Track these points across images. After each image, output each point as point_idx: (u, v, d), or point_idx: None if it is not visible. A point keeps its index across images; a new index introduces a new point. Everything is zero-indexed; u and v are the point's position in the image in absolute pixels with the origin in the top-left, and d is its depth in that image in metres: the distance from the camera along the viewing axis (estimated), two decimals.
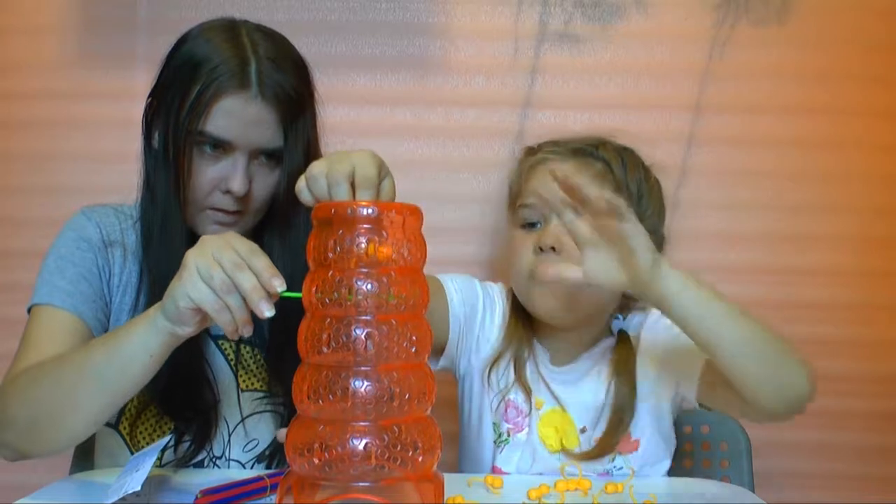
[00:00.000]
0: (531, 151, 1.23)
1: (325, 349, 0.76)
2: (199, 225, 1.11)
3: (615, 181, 1.14)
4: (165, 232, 1.09)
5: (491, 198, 1.58)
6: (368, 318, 0.76)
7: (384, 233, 0.77)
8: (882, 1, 1.56)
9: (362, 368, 0.76)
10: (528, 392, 1.17)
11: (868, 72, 1.56)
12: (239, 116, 1.05)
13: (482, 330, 1.22)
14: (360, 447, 0.75)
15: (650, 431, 1.16)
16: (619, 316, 1.23)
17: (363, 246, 0.76)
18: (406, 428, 0.77)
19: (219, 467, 1.13)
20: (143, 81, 1.58)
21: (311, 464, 0.76)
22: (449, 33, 1.58)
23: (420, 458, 0.77)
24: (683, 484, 1.07)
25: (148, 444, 1.10)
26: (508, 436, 1.17)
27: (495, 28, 1.58)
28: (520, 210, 1.18)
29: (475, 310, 1.21)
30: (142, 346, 0.89)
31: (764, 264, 1.56)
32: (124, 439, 1.12)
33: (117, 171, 1.57)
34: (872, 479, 1.54)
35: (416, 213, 0.81)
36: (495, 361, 1.20)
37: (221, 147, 1.06)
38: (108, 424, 1.13)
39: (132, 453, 1.10)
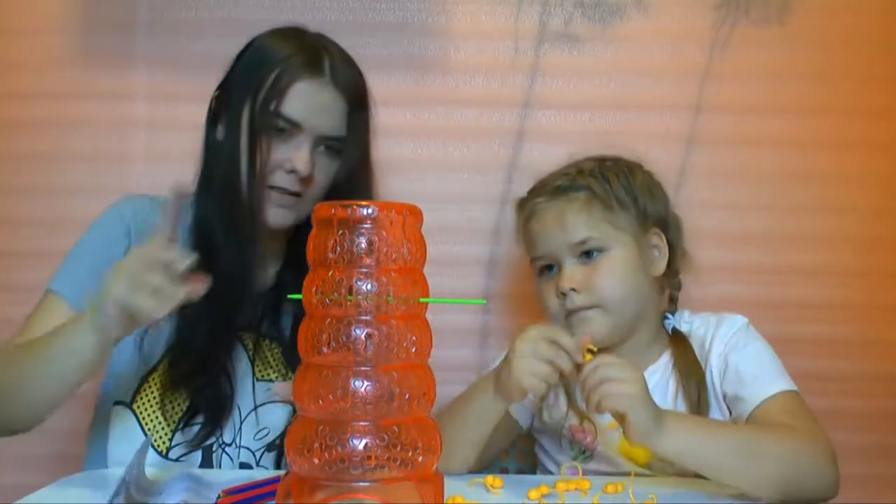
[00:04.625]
0: (521, 204, 1.24)
1: (325, 349, 0.76)
2: (264, 204, 1.14)
3: (602, 202, 1.16)
4: (229, 220, 1.12)
5: (491, 198, 1.58)
6: (368, 318, 0.76)
7: (384, 232, 0.77)
8: (882, 1, 1.56)
9: (362, 368, 0.76)
10: (581, 416, 1.19)
11: (868, 72, 1.55)
12: (311, 100, 1.12)
13: None
14: (360, 447, 0.75)
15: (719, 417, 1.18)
16: (669, 315, 1.24)
17: (363, 246, 0.76)
18: (406, 428, 0.77)
19: (228, 455, 1.15)
20: (143, 81, 1.59)
21: (312, 464, 0.76)
22: (449, 33, 1.58)
23: (420, 458, 0.77)
24: (683, 484, 1.07)
25: (161, 422, 1.14)
26: (592, 452, 1.20)
27: (495, 28, 1.57)
28: (534, 262, 1.21)
29: None
30: (74, 353, 0.96)
31: (764, 264, 1.56)
32: (138, 419, 1.15)
33: (117, 171, 1.57)
34: (873, 478, 1.54)
35: (415, 212, 0.81)
36: (543, 398, 1.22)
37: (289, 129, 1.12)
38: (122, 403, 1.16)
39: (144, 433, 1.14)
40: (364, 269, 0.76)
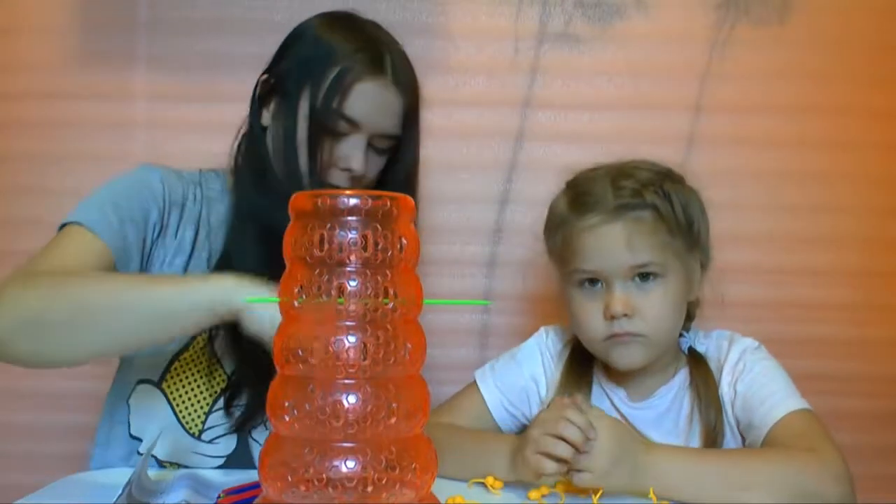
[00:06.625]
0: (574, 216, 1.10)
1: (311, 360, 0.65)
2: None
3: (667, 226, 1.07)
4: (282, 208, 1.08)
5: (491, 198, 1.55)
6: (361, 323, 0.65)
7: (377, 226, 0.66)
8: (882, 1, 1.50)
9: (354, 381, 0.65)
10: None
11: (868, 72, 1.50)
12: (373, 100, 1.09)
13: (539, 396, 1.18)
14: (352, 470, 0.64)
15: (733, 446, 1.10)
16: (684, 333, 1.17)
17: (355, 241, 0.66)
18: (403, 447, 0.66)
19: (254, 439, 1.13)
20: (143, 81, 1.54)
21: (296, 492, 0.64)
22: (449, 33, 1.52)
23: (417, 480, 0.66)
24: None
25: (194, 403, 1.12)
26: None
27: (495, 28, 1.52)
28: (576, 273, 1.10)
29: (522, 397, 1.18)
30: (184, 314, 0.88)
31: (764, 264, 1.51)
32: (168, 399, 1.12)
33: (117, 171, 1.55)
34: (872, 478, 1.49)
35: (409, 205, 0.69)
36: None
37: (347, 128, 1.09)
38: (149, 382, 1.13)
39: (175, 413, 1.11)
40: (356, 268, 0.65)
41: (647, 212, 1.07)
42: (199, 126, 1.53)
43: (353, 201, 0.66)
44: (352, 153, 1.10)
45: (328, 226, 0.65)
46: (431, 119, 1.53)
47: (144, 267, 1.10)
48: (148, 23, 1.53)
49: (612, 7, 1.52)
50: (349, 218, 0.66)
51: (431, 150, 1.54)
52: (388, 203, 0.67)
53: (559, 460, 0.92)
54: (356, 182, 1.11)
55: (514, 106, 1.53)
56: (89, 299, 0.89)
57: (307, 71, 1.09)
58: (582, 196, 1.10)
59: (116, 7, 1.53)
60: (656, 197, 1.07)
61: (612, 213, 1.06)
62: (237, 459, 1.12)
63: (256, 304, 0.83)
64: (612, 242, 1.06)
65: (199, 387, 1.12)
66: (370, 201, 0.66)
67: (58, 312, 0.89)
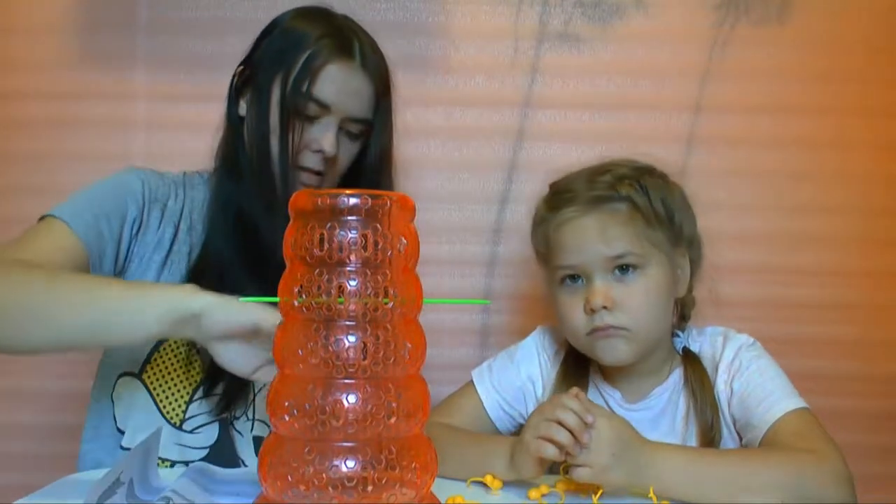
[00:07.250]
0: (550, 211, 1.11)
1: (311, 360, 0.64)
2: (291, 183, 1.14)
3: (643, 217, 1.07)
4: (267, 199, 1.11)
5: (491, 197, 1.55)
6: (361, 322, 0.65)
7: (377, 225, 0.66)
8: (882, 1, 1.50)
9: (354, 381, 0.64)
10: None
11: (868, 71, 1.49)
12: (341, 83, 1.12)
13: (535, 396, 1.18)
14: (352, 470, 0.64)
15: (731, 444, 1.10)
16: (679, 333, 1.16)
17: (355, 240, 0.65)
18: (403, 447, 0.65)
19: (237, 430, 1.13)
20: (143, 81, 1.54)
21: (296, 492, 0.64)
22: (449, 33, 1.52)
23: (419, 480, 0.66)
24: None
25: (174, 393, 1.12)
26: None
27: (495, 28, 1.52)
28: (558, 270, 1.10)
29: (519, 397, 1.17)
30: (150, 323, 0.89)
31: (764, 264, 1.50)
32: (148, 389, 1.12)
33: (117, 170, 1.57)
34: (872, 478, 1.50)
35: (409, 205, 0.70)
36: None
37: (317, 111, 1.11)
38: (130, 374, 1.13)
39: (155, 404, 1.12)
40: (356, 267, 0.65)
41: (623, 204, 1.07)
42: (198, 126, 1.53)
43: (353, 201, 0.66)
44: (323, 135, 1.12)
45: (328, 225, 0.65)
46: (431, 119, 1.54)
47: (122, 262, 1.11)
48: (148, 23, 1.53)
49: (612, 7, 1.52)
50: (349, 217, 0.66)
51: (431, 150, 1.55)
52: (388, 203, 0.67)
53: (558, 446, 0.92)
54: (329, 164, 1.13)
55: (514, 106, 1.53)
56: (48, 293, 0.92)
57: (279, 59, 1.11)
58: (560, 193, 1.11)
59: (116, 7, 1.53)
60: (631, 190, 1.07)
61: (586, 206, 1.07)
62: (219, 450, 1.13)
63: (213, 309, 0.85)
64: (588, 234, 1.07)
65: (178, 376, 1.12)
66: (370, 201, 0.66)
67: (17, 301, 0.91)
